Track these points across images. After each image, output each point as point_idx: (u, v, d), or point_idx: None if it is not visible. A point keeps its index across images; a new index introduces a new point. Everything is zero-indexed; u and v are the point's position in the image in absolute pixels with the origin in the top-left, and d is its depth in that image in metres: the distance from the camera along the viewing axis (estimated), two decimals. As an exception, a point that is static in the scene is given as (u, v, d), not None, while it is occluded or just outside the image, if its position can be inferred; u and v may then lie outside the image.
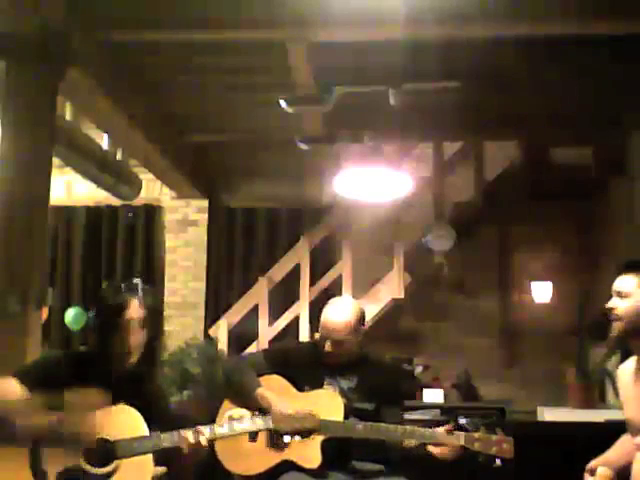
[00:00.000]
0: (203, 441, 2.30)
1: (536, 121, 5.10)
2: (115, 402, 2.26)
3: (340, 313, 3.00)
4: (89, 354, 2.42)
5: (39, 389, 2.22)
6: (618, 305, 2.39)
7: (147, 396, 2.40)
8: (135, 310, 2.34)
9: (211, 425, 2.38)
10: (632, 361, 2.44)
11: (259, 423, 2.56)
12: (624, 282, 2.40)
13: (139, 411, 2.28)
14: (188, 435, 2.29)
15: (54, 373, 2.29)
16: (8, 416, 2.14)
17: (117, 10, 3.55)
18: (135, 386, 2.36)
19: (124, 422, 2.24)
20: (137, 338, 2.34)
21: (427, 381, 5.96)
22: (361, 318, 3.05)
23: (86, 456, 2.18)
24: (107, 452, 2.20)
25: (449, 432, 2.70)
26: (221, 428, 2.41)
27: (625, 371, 2.46)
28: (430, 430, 2.74)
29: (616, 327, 2.39)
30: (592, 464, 2.46)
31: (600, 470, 2.39)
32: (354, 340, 2.99)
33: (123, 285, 2.39)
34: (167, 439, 2.27)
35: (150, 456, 2.25)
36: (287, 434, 2.68)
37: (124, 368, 2.35)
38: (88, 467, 2.18)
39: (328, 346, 2.96)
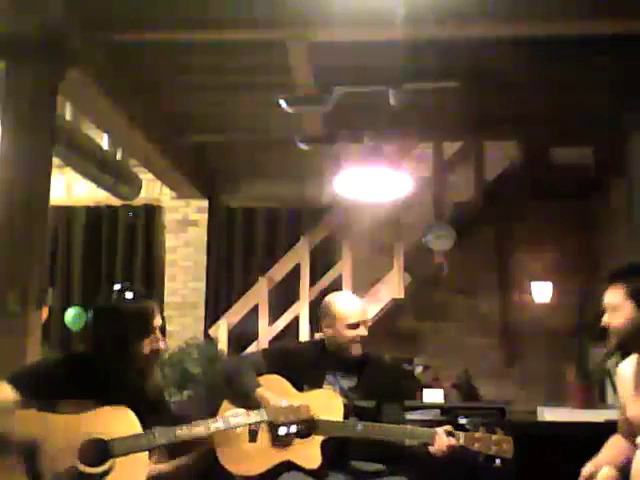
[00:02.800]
0: (197, 435, 2.30)
1: (536, 121, 5.10)
2: (111, 402, 2.26)
3: (356, 299, 3.11)
4: (86, 357, 2.40)
5: (32, 394, 2.22)
6: (611, 320, 2.38)
7: (148, 398, 2.40)
8: (158, 316, 2.40)
9: (206, 421, 2.38)
10: (632, 359, 2.43)
11: (254, 416, 2.56)
12: (612, 295, 2.38)
13: (139, 413, 2.28)
14: (183, 432, 2.29)
15: (49, 378, 2.29)
16: (1, 419, 2.15)
17: (117, 10, 3.55)
18: (136, 388, 2.36)
19: (118, 421, 2.24)
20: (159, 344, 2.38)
21: (427, 381, 5.96)
22: None
23: (81, 456, 2.18)
24: (102, 451, 2.20)
25: (448, 433, 2.70)
26: (216, 423, 2.41)
27: (625, 370, 2.44)
28: (430, 430, 2.74)
29: (613, 341, 2.39)
30: (589, 470, 2.44)
31: (604, 471, 2.36)
32: None
33: (135, 291, 2.39)
34: (161, 436, 2.27)
35: (146, 454, 2.25)
36: (282, 425, 2.67)
37: (133, 373, 2.35)
38: (83, 467, 2.18)
39: (363, 330, 2.99)
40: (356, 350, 2.99)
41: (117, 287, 2.40)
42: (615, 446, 2.47)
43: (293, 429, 2.69)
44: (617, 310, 2.36)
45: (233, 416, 2.49)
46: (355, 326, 2.99)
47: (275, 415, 2.65)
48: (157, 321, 2.39)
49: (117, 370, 2.33)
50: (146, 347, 2.33)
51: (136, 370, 2.35)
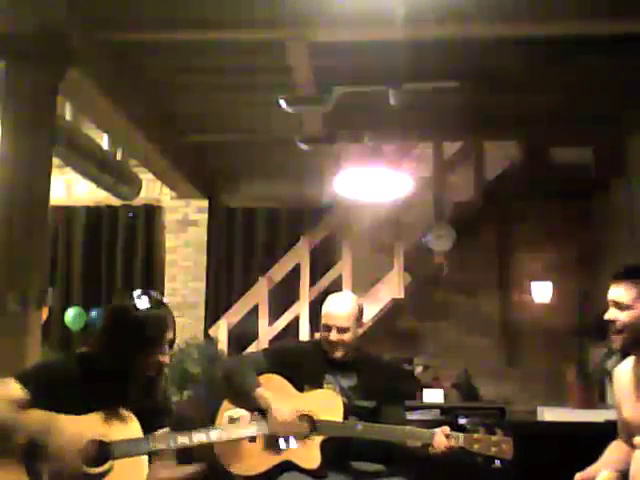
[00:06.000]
0: (197, 444, 2.30)
1: (536, 121, 5.10)
2: (114, 405, 2.26)
3: (342, 302, 3.06)
4: (93, 356, 2.40)
5: (40, 393, 2.22)
6: (618, 317, 2.30)
7: (152, 403, 2.40)
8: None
9: (206, 429, 2.38)
10: (630, 361, 2.41)
11: (255, 428, 2.57)
12: (622, 293, 2.30)
13: (142, 417, 2.28)
14: (183, 439, 2.29)
15: (56, 377, 2.29)
16: (9, 417, 2.14)
17: (117, 10, 3.55)
18: (142, 392, 2.36)
19: (119, 423, 2.25)
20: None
21: (427, 381, 5.97)
22: (361, 311, 3.08)
23: (83, 456, 2.19)
24: (102, 453, 2.20)
25: (447, 436, 2.70)
26: (216, 431, 2.41)
27: (623, 371, 2.43)
28: (429, 430, 2.74)
29: (619, 340, 2.32)
30: (587, 474, 2.42)
31: (604, 474, 2.35)
32: (355, 331, 3.01)
33: (152, 295, 2.37)
34: (161, 441, 2.27)
35: (145, 457, 2.25)
36: (283, 439, 2.68)
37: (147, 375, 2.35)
38: (84, 467, 2.18)
39: (333, 335, 2.96)
40: (334, 352, 2.99)
41: (137, 291, 2.37)
42: (615, 452, 2.45)
43: (293, 443, 2.71)
44: (627, 308, 2.28)
45: (233, 426, 2.48)
46: (327, 328, 3.00)
47: (276, 430, 2.65)
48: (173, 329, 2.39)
49: (128, 373, 2.32)
50: (161, 355, 2.33)
51: (146, 374, 2.35)
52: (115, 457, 2.20)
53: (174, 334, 2.37)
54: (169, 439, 2.28)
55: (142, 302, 2.31)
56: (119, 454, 2.21)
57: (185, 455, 2.36)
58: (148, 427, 2.28)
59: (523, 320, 6.25)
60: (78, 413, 2.22)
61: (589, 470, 2.42)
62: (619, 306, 2.31)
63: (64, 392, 2.23)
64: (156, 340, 2.31)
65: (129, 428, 2.25)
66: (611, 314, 2.33)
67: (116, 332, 2.32)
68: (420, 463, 2.82)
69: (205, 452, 2.41)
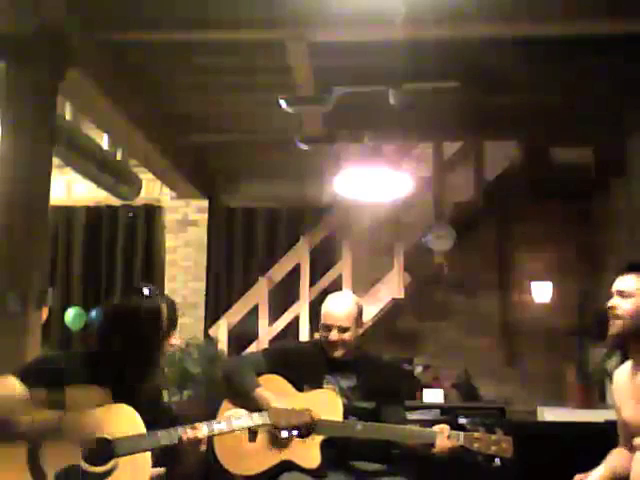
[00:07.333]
0: (201, 437, 2.31)
1: (536, 121, 5.10)
2: (115, 401, 2.27)
3: (342, 301, 3.06)
4: (91, 354, 2.40)
5: (39, 388, 2.22)
6: (620, 305, 2.36)
7: (148, 397, 2.40)
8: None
9: (209, 422, 2.39)
10: (628, 364, 2.44)
11: (256, 419, 2.57)
12: (627, 282, 2.37)
13: (140, 412, 2.28)
14: (186, 432, 2.30)
15: (55, 372, 2.29)
16: (9, 415, 2.14)
17: (117, 10, 3.55)
18: (138, 388, 2.36)
19: (122, 421, 2.25)
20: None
21: (427, 381, 5.97)
22: (361, 310, 3.08)
23: (85, 455, 2.19)
24: (106, 450, 2.20)
25: (447, 437, 2.70)
26: (218, 424, 2.42)
27: (621, 374, 2.46)
28: (430, 430, 2.75)
29: (616, 326, 2.37)
30: (583, 476, 2.43)
31: (596, 470, 2.36)
32: (355, 330, 3.01)
33: (151, 289, 2.38)
34: (165, 437, 2.27)
35: (149, 454, 2.25)
36: (284, 429, 2.68)
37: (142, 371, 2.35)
38: (87, 466, 2.18)
39: (333, 335, 2.96)
40: (334, 352, 2.99)
41: (137, 287, 2.37)
42: (617, 457, 2.45)
43: (294, 432, 2.70)
44: (629, 297, 2.35)
45: (235, 418, 2.49)
46: (327, 328, 3.00)
47: (277, 419, 2.65)
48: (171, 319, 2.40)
49: (127, 369, 2.32)
50: (165, 347, 2.34)
51: (147, 369, 2.36)
52: (118, 454, 2.20)
53: (171, 323, 2.38)
54: (172, 434, 2.28)
55: (137, 297, 2.33)
56: (123, 451, 2.21)
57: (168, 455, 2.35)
58: (152, 425, 2.29)
59: (523, 320, 6.25)
60: (79, 410, 2.22)
61: (590, 474, 2.43)
62: (623, 295, 2.37)
63: (67, 388, 2.23)
64: (165, 329, 2.32)
65: (132, 425, 2.25)
66: (614, 301, 2.39)
67: (118, 329, 2.32)
68: (420, 463, 2.82)
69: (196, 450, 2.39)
